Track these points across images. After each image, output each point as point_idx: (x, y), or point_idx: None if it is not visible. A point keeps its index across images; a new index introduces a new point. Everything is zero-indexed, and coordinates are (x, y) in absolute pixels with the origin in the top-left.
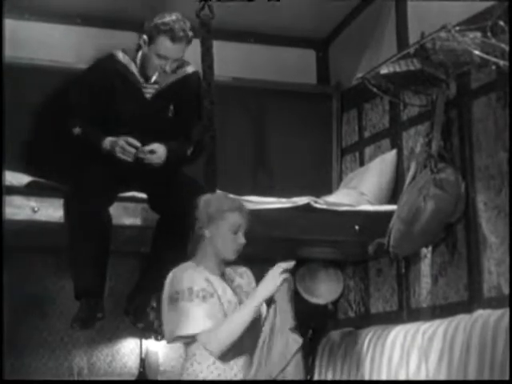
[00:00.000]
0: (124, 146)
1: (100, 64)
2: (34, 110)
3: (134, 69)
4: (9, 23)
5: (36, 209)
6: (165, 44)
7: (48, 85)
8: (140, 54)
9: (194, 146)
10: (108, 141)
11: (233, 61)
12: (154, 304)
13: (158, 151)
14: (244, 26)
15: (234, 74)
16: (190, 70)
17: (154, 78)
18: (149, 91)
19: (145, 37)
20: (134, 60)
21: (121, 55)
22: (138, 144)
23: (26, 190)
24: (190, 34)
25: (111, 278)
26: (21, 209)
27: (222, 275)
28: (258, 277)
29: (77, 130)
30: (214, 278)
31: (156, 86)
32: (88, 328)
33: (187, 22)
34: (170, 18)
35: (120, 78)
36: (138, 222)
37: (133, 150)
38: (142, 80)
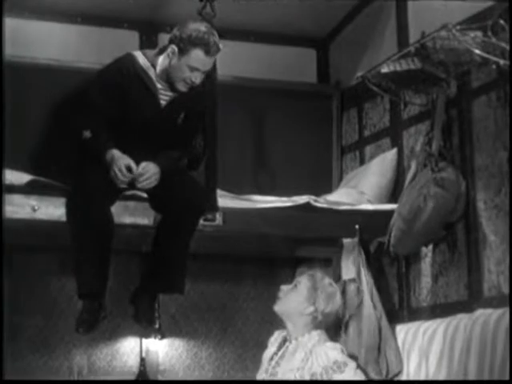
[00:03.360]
0: (121, 169)
1: (118, 64)
2: (35, 108)
3: (152, 74)
4: (9, 22)
5: (36, 207)
6: (199, 57)
7: (49, 83)
8: (160, 59)
9: (192, 157)
10: (110, 155)
11: (233, 59)
12: (156, 305)
13: (150, 178)
14: (244, 24)
15: (234, 73)
16: (203, 77)
17: (179, 88)
18: (164, 98)
19: (174, 47)
20: (153, 65)
21: (141, 58)
22: (134, 170)
23: (26, 189)
24: (221, 45)
25: (111, 276)
26: (21, 207)
27: None
28: (257, 276)
29: (87, 134)
30: None
31: (170, 94)
32: (93, 331)
33: (216, 33)
34: (202, 30)
35: (137, 82)
36: (138, 220)
37: (126, 178)
38: (159, 86)
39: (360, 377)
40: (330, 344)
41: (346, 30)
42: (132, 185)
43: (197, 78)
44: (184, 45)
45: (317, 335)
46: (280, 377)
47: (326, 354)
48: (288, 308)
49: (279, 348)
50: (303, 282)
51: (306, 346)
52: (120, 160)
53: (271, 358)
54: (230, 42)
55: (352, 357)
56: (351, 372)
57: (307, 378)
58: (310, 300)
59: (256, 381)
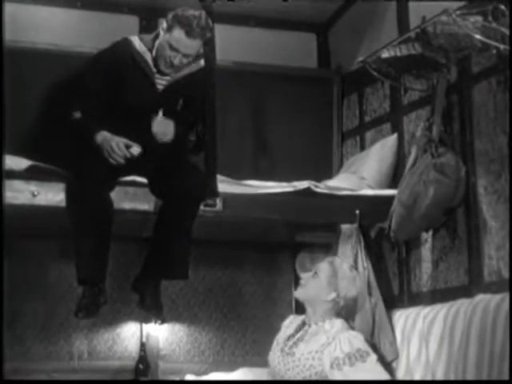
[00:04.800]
0: (117, 147)
1: (115, 49)
2: (35, 93)
3: (148, 58)
4: (9, 7)
5: (36, 193)
6: (179, 37)
7: (48, 68)
8: (157, 43)
9: (195, 142)
10: (101, 136)
11: (233, 44)
12: None
13: (168, 132)
14: (245, 9)
15: (235, 58)
16: (202, 63)
17: (162, 68)
18: (160, 83)
19: (165, 24)
20: (149, 49)
21: (137, 43)
22: (133, 147)
23: (26, 175)
24: (208, 34)
25: (111, 261)
26: (20, 193)
27: None
28: (258, 261)
29: (77, 114)
30: None
31: (168, 78)
32: (93, 316)
33: (209, 22)
34: (191, 12)
35: (134, 67)
36: (138, 206)
37: (122, 154)
38: (155, 70)
39: (380, 371)
40: (353, 332)
41: (347, 14)
42: (130, 168)
43: (175, 59)
44: (171, 22)
45: (340, 323)
46: (297, 357)
47: (349, 341)
48: (309, 295)
49: (297, 331)
50: (323, 269)
51: (328, 332)
52: (116, 138)
53: (288, 339)
54: (230, 27)
55: None
56: (371, 365)
57: (327, 361)
58: (331, 286)
59: (257, 381)
